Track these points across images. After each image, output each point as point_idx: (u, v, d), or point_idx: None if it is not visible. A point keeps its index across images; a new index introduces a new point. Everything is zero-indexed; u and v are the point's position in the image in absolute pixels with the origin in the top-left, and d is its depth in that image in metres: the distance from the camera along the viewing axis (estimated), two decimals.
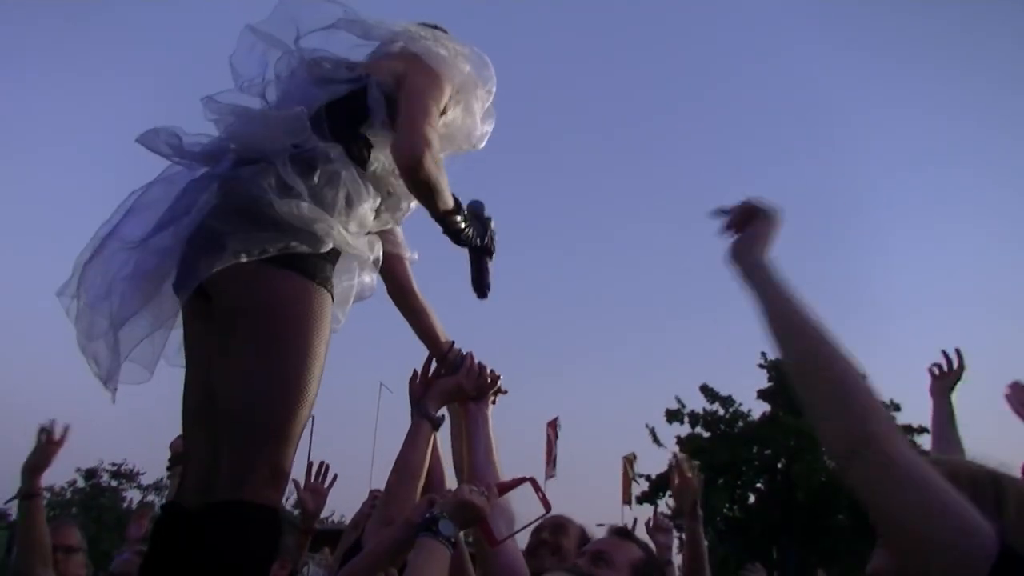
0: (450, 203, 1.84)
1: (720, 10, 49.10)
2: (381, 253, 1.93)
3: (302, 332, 1.60)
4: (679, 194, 50.66)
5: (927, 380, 2.87)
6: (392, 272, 2.11)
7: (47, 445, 2.66)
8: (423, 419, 2.06)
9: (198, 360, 1.76)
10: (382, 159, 1.84)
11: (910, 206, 47.17)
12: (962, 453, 2.48)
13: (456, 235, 1.89)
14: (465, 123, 2.06)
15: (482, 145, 2.17)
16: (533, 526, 1.83)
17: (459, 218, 1.88)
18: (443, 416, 2.14)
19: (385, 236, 2.02)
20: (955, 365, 2.82)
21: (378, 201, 1.86)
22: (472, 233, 1.93)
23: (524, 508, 1.83)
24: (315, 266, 1.65)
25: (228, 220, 1.59)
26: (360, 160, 1.79)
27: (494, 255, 2.00)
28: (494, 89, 2.11)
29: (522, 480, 1.85)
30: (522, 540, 2.11)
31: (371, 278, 1.98)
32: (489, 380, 2.17)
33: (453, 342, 2.16)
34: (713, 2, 49.14)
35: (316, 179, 1.67)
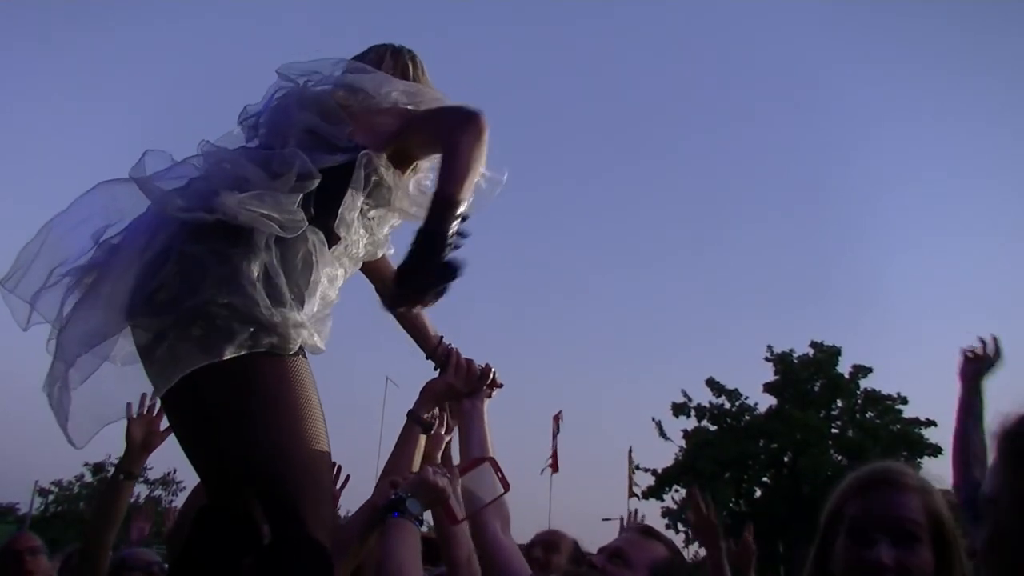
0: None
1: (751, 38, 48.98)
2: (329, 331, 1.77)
3: (292, 393, 1.51)
4: (689, 194, 50.62)
5: (953, 365, 2.65)
6: (378, 271, 2.03)
7: (150, 420, 2.52)
8: (414, 423, 2.03)
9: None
10: (357, 232, 1.72)
11: (929, 206, 47.22)
12: (984, 455, 2.31)
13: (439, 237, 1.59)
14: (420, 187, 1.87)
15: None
16: (493, 504, 1.85)
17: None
18: (434, 420, 2.11)
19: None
20: (991, 350, 2.62)
21: (341, 274, 1.76)
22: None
23: (486, 488, 1.86)
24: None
25: (209, 309, 1.46)
26: (334, 238, 1.67)
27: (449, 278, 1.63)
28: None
29: (481, 460, 1.90)
30: (519, 536, 2.07)
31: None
32: (480, 374, 2.10)
33: (442, 337, 2.10)
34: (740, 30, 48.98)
35: (297, 265, 1.58)
